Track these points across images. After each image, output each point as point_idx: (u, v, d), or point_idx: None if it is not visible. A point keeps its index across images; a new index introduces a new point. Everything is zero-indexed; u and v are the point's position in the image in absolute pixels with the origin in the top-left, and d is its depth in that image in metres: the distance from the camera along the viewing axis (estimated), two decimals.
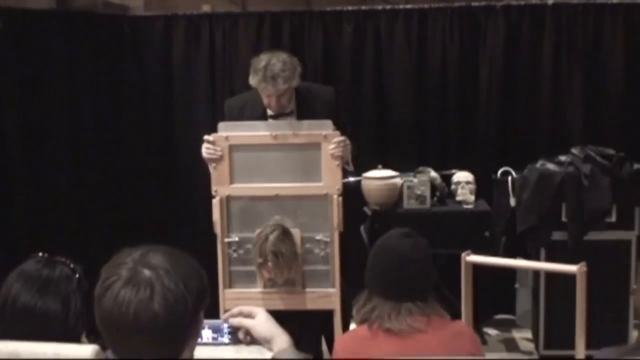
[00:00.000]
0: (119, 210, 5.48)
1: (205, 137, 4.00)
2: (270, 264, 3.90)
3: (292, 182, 4.00)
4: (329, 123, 3.94)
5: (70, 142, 5.24)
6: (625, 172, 4.62)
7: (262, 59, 4.02)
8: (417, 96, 5.51)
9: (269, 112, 4.17)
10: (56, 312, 2.34)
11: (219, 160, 4.00)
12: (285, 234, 3.94)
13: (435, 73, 5.48)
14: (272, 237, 3.89)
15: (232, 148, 4.00)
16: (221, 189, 4.05)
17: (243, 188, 4.04)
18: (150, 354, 1.60)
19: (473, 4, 5.44)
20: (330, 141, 3.90)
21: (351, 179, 4.89)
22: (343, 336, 2.83)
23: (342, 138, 3.91)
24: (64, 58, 5.18)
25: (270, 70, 3.97)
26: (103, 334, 1.63)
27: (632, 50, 5.29)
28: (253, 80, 4.05)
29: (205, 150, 4.02)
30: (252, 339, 1.94)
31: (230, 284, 4.12)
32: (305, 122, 4.04)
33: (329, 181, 3.96)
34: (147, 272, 1.60)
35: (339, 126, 4.02)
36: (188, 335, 1.65)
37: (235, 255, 4.11)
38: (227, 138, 4.00)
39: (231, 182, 4.04)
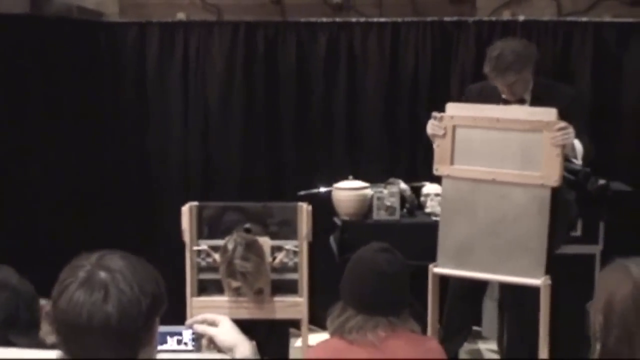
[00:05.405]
0: (90, 216, 5.47)
1: (434, 113, 4.04)
2: (239, 282, 3.97)
3: (511, 168, 3.92)
4: (553, 111, 3.86)
5: (43, 148, 5.23)
6: (591, 187, 4.67)
7: (496, 48, 4.21)
8: (389, 108, 5.56)
9: (504, 96, 4.31)
10: None
11: (441, 137, 4.01)
12: (248, 248, 3.95)
13: (407, 85, 5.53)
14: (237, 260, 3.92)
15: (456, 127, 3.99)
16: (442, 168, 4.05)
17: (462, 170, 4.01)
18: (104, 355, 1.63)
19: (445, 18, 5.50)
20: (552, 129, 3.79)
21: (322, 189, 4.94)
22: (315, 346, 2.87)
23: (564, 124, 3.81)
24: (37, 63, 5.16)
25: (501, 61, 4.12)
26: (58, 335, 1.66)
27: (600, 66, 5.37)
28: (486, 69, 4.24)
29: (431, 126, 4.06)
30: (215, 347, 1.96)
31: (198, 292, 4.14)
32: (530, 108, 4.06)
33: (547, 171, 3.83)
34: (103, 274, 1.64)
35: (571, 123, 3.95)
36: (142, 338, 1.68)
37: (204, 263, 4.13)
38: (452, 117, 4.00)
39: (452, 162, 4.03)
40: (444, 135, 3.99)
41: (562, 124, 3.81)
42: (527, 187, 3.88)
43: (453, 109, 4.04)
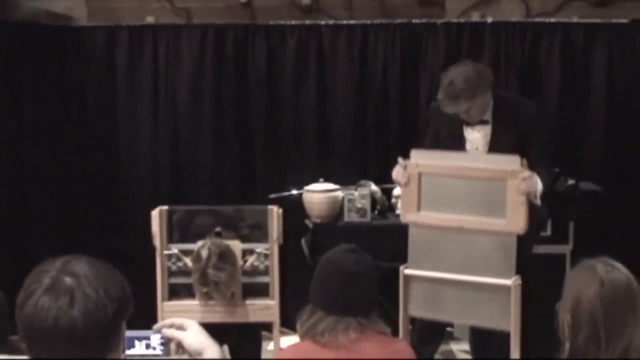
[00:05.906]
0: (59, 220, 5.43)
1: (399, 159, 4.02)
2: (212, 291, 3.96)
3: (476, 215, 3.90)
4: (516, 158, 3.84)
5: (12, 153, 5.18)
6: (560, 187, 4.72)
7: (448, 75, 4.10)
8: (359, 110, 5.57)
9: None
10: None
11: (404, 185, 3.99)
12: (222, 258, 3.95)
13: (377, 87, 5.54)
14: (211, 269, 3.93)
15: (422, 175, 3.97)
16: (408, 215, 4.02)
17: (429, 217, 3.98)
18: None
19: (414, 20, 5.52)
20: (516, 177, 3.78)
21: (294, 192, 4.94)
22: (285, 349, 2.87)
23: (528, 174, 3.80)
24: (5, 69, 5.12)
25: (452, 90, 4.04)
26: (25, 341, 1.65)
27: (567, 67, 5.41)
28: (439, 96, 4.15)
29: (395, 173, 4.04)
30: (184, 351, 1.96)
31: (169, 297, 4.12)
32: (494, 156, 4.03)
33: (512, 218, 3.82)
34: (68, 280, 1.64)
35: (532, 147, 4.03)
36: (109, 343, 1.68)
37: (174, 267, 4.11)
38: (417, 165, 3.97)
39: (418, 209, 4.00)
40: (407, 183, 3.99)
41: (526, 173, 3.81)
42: (493, 234, 3.89)
43: (417, 156, 4.02)
